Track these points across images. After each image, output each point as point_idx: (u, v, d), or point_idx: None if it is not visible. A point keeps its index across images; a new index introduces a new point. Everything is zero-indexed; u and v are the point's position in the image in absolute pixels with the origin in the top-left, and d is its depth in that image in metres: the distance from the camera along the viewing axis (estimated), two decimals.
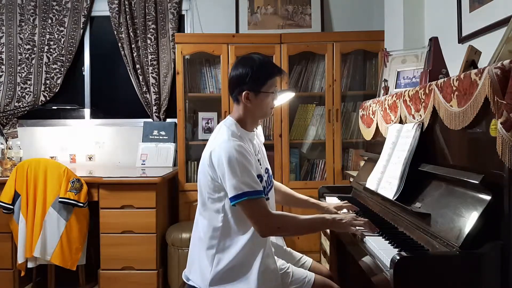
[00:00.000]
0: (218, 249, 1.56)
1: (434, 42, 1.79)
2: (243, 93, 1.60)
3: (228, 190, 1.49)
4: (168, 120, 3.52)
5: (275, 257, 1.65)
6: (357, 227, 1.56)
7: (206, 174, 1.58)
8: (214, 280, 1.55)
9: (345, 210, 1.90)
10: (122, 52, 3.47)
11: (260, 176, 1.57)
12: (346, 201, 1.97)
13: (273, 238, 1.79)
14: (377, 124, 2.16)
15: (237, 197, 1.47)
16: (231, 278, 1.55)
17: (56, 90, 3.54)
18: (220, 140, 1.56)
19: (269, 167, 1.79)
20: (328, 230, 2.48)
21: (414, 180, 1.55)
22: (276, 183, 2.01)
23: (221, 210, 1.56)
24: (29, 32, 3.48)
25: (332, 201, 2.17)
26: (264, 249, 1.57)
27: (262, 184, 1.56)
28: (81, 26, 3.52)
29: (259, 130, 1.81)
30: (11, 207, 2.66)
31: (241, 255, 1.55)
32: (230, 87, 1.67)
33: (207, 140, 3.18)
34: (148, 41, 3.45)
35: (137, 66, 3.46)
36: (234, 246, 1.56)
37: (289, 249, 1.90)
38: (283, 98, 2.21)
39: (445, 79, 1.42)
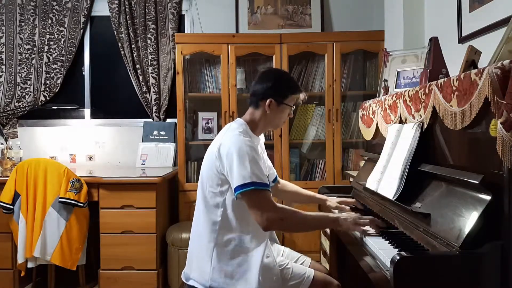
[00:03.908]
0: (217, 244, 1.57)
1: (434, 42, 1.79)
2: (267, 100, 1.67)
3: (234, 180, 1.50)
4: (168, 120, 3.53)
5: (274, 254, 1.65)
6: (362, 226, 1.55)
7: (211, 167, 1.60)
8: (215, 276, 1.56)
9: (348, 208, 1.93)
10: (122, 52, 3.47)
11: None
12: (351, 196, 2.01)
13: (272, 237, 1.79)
14: (377, 124, 2.16)
15: (244, 186, 1.48)
16: (231, 274, 1.56)
17: (56, 90, 3.54)
18: (231, 134, 1.60)
19: (273, 169, 1.90)
20: (328, 230, 2.48)
21: (414, 180, 1.55)
22: (283, 182, 2.05)
23: (221, 205, 1.57)
24: (29, 32, 3.48)
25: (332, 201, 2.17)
26: (264, 246, 1.58)
27: None
28: (81, 26, 3.51)
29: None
30: (11, 207, 2.66)
31: (240, 251, 1.56)
32: (252, 93, 1.73)
33: (207, 140, 3.27)
34: (148, 41, 3.45)
35: (137, 66, 3.46)
36: (233, 242, 1.57)
37: (287, 248, 1.90)
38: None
39: (445, 79, 1.42)
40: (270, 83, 1.69)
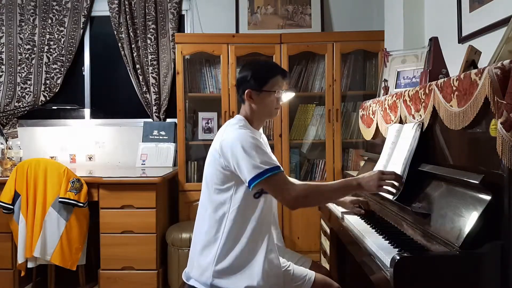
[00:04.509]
0: (222, 242, 1.57)
1: (434, 42, 1.79)
2: (246, 91, 1.66)
3: (246, 173, 1.49)
4: (168, 120, 3.53)
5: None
6: (385, 186, 1.54)
7: (214, 165, 1.60)
8: (217, 274, 1.56)
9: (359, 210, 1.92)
10: (122, 52, 3.47)
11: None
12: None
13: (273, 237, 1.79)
14: (377, 124, 2.16)
15: (259, 175, 1.48)
16: (234, 271, 1.55)
17: (56, 90, 3.54)
18: (231, 129, 1.60)
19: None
20: (328, 230, 2.49)
21: (414, 180, 1.55)
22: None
23: (228, 201, 1.58)
24: (29, 32, 3.48)
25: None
26: (267, 243, 1.58)
27: None
28: (81, 26, 3.51)
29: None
30: (11, 207, 2.66)
31: (244, 248, 1.56)
32: (236, 88, 1.76)
33: (207, 140, 3.28)
34: (148, 41, 3.45)
35: (137, 66, 3.46)
36: (237, 239, 1.57)
37: (288, 250, 1.90)
38: (283, 98, 2.23)
39: (445, 79, 1.43)
40: (245, 75, 1.68)
